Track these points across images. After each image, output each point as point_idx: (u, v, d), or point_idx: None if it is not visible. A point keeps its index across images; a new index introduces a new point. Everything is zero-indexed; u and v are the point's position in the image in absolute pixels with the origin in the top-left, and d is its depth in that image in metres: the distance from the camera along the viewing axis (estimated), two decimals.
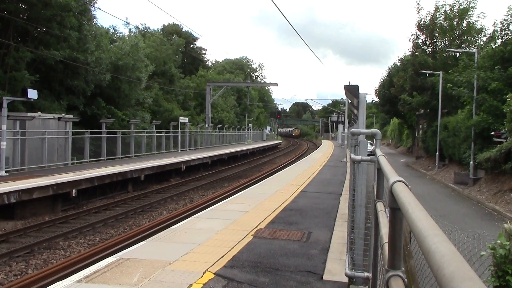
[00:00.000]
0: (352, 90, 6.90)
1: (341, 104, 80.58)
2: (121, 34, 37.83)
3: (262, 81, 78.63)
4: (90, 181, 15.14)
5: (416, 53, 33.21)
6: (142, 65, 30.73)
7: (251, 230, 7.88)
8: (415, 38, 33.71)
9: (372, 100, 72.56)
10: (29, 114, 17.67)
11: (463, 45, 29.96)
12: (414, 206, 1.33)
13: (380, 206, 2.90)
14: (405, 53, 40.52)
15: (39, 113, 18.45)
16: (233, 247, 6.74)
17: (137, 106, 31.85)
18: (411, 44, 34.50)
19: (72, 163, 19.09)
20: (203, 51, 65.71)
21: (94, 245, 10.49)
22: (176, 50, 47.33)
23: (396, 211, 1.69)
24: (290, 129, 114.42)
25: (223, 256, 6.27)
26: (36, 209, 13.13)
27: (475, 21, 30.47)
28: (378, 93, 51.51)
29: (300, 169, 20.41)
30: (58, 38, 22.52)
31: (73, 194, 14.18)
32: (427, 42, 33.50)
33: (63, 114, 20.02)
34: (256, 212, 9.64)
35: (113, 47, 29.31)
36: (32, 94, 15.45)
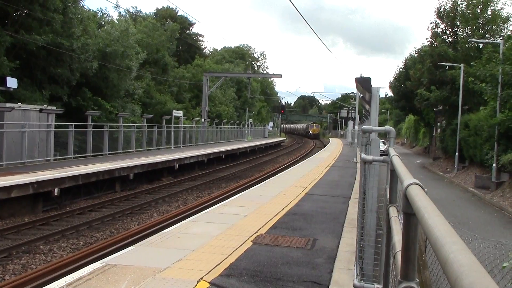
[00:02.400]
0: (363, 83, 6.90)
1: (352, 99, 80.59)
2: (110, 18, 37.86)
3: (265, 72, 78.73)
4: (74, 179, 15.17)
5: (435, 43, 33.13)
6: (132, 53, 30.75)
7: (251, 236, 7.90)
8: (434, 26, 33.65)
9: (386, 95, 72.76)
10: (8, 105, 17.68)
11: (487, 35, 29.89)
12: (431, 211, 1.33)
13: (393, 211, 2.91)
14: (422, 43, 40.64)
15: (19, 104, 18.46)
16: (230, 254, 6.76)
17: (127, 97, 31.90)
18: (429, 33, 34.44)
19: (54, 159, 19.13)
20: (200, 38, 65.86)
21: (77, 249, 10.53)
22: (170, 36, 47.33)
23: (410, 217, 1.69)
24: (302, 125, 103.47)
25: (219, 263, 6.30)
26: (15, 209, 13.17)
27: (501, 8, 30.58)
28: (392, 87, 51.47)
29: (305, 170, 20.44)
30: (41, 22, 22.51)
31: (55, 194, 14.21)
32: (448, 32, 33.41)
33: (45, 106, 20.05)
34: (256, 216, 9.66)
35: (101, 32, 29.32)
36: (12, 82, 15.51)
